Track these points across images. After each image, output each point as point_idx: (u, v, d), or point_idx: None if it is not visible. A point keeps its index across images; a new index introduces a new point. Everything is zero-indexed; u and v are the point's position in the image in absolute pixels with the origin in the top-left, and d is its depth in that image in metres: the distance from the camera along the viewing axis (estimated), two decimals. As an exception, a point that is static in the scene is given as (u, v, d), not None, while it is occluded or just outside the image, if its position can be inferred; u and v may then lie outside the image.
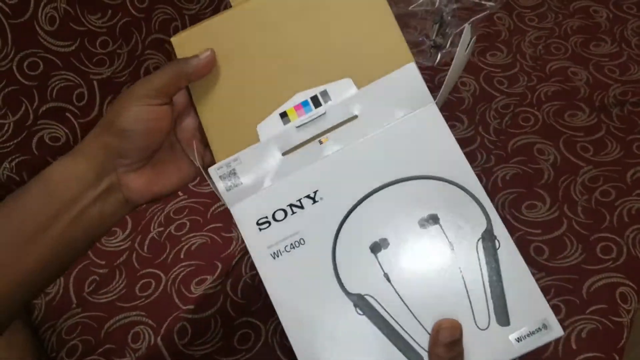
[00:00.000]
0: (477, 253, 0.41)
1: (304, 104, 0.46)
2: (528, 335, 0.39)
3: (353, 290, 0.41)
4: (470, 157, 0.77)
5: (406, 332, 0.40)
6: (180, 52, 0.47)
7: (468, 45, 0.46)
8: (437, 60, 0.84)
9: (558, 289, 0.65)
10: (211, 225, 0.74)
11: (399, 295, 0.41)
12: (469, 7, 0.84)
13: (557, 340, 0.61)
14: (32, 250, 0.43)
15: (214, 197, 0.76)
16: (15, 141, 0.72)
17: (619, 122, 0.80)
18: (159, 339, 0.65)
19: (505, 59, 0.89)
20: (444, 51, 0.84)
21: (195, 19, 0.88)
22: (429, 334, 0.40)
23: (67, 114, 0.77)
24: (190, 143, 0.47)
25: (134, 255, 0.72)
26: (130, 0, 0.79)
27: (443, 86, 0.45)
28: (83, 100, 0.78)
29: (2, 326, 0.44)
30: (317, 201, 0.44)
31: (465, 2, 0.84)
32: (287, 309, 0.43)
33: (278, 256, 0.43)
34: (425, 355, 0.40)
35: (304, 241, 0.43)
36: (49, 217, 0.43)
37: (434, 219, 0.42)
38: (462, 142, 0.79)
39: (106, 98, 0.80)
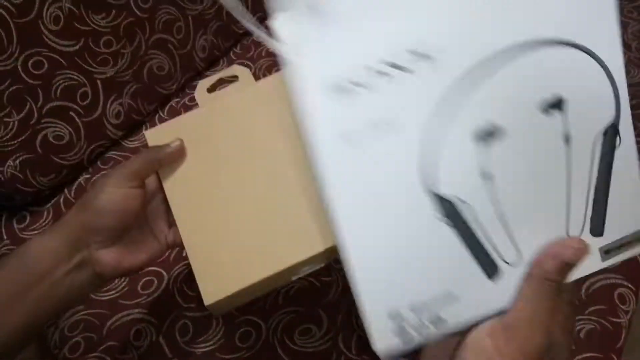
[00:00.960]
0: (593, 150, 0.34)
1: None
2: (617, 249, 0.35)
3: (440, 190, 0.34)
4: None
5: (489, 241, 0.35)
6: (152, 144, 0.52)
7: None
8: None
9: (557, 289, 0.65)
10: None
11: (497, 200, 0.34)
12: None
13: (556, 341, 0.62)
14: (7, 318, 0.46)
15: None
16: (19, 139, 0.73)
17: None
18: (160, 336, 0.66)
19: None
20: None
21: (199, 19, 0.88)
22: (515, 247, 0.35)
23: (71, 113, 0.77)
24: (158, 223, 0.52)
25: (137, 253, 0.73)
26: (134, 0, 0.80)
27: None
28: (87, 99, 0.78)
29: None
30: (420, 62, 0.32)
31: None
32: (349, 206, 0.34)
33: (354, 141, 0.33)
34: (504, 266, 0.35)
35: (392, 121, 0.32)
36: (24, 287, 0.46)
37: (558, 104, 0.34)
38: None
39: (110, 97, 0.80)
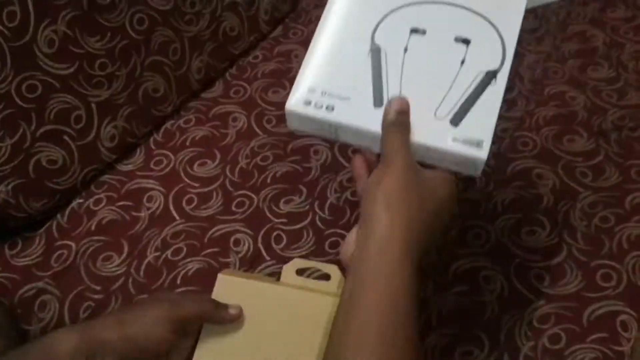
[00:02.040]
0: (476, 77, 0.53)
1: None
2: (462, 142, 0.51)
3: (376, 39, 0.55)
4: (470, 182, 0.78)
5: (386, 84, 0.53)
6: (217, 289, 0.58)
7: None
8: None
9: (558, 317, 0.65)
10: (208, 250, 0.73)
11: (402, 63, 0.54)
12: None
13: (558, 370, 0.61)
14: None
15: (211, 221, 0.76)
16: (12, 164, 0.72)
17: (617, 147, 0.80)
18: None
19: (504, 83, 0.90)
20: None
21: (195, 41, 0.88)
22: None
23: (65, 137, 0.76)
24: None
25: (130, 280, 0.71)
26: (129, 22, 0.79)
27: None
28: (81, 123, 0.77)
29: None
30: None
31: None
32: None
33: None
34: (383, 96, 0.53)
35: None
36: None
37: (466, 42, 0.54)
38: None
39: (104, 120, 0.79)
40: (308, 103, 0.54)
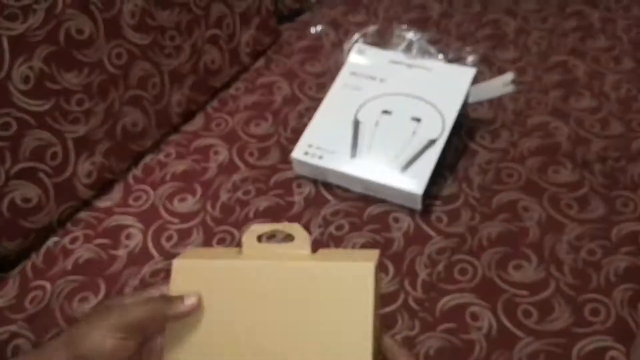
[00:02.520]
0: (421, 142, 0.79)
1: None
2: (407, 182, 0.77)
3: (358, 117, 0.83)
4: (455, 215, 0.77)
5: (362, 141, 0.81)
6: (175, 277, 0.48)
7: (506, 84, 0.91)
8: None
9: (548, 354, 0.63)
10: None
11: (374, 132, 0.81)
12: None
13: (549, 411, 0.59)
14: None
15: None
16: (-16, 203, 0.70)
17: (602, 178, 0.79)
18: None
19: (487, 114, 0.89)
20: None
21: (175, 75, 0.87)
22: (368, 150, 0.80)
23: (40, 174, 0.74)
24: None
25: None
26: (107, 57, 0.78)
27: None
28: (57, 159, 0.75)
29: None
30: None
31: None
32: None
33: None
34: (359, 156, 0.80)
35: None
36: None
37: (418, 120, 0.82)
38: (447, 200, 0.78)
39: (81, 156, 0.78)
40: (306, 153, 0.81)
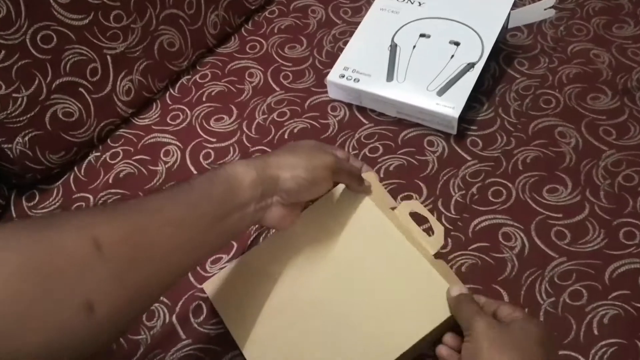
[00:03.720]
0: (459, 65, 0.78)
1: None
2: (443, 106, 0.76)
3: (394, 40, 0.83)
4: (490, 140, 0.76)
5: (397, 66, 0.80)
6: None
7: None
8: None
9: (580, 274, 0.64)
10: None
11: (410, 56, 0.81)
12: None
13: (579, 326, 0.60)
14: (208, 238, 0.49)
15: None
16: (28, 115, 0.71)
17: (642, 105, 0.78)
18: (174, 317, 0.64)
19: (526, 40, 0.88)
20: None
21: (211, -6, 0.86)
22: (404, 75, 0.79)
23: (81, 89, 0.75)
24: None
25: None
26: (145, -27, 0.77)
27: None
28: (97, 75, 0.76)
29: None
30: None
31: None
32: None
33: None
34: (395, 80, 0.79)
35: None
36: (227, 212, 0.49)
37: (457, 43, 0.81)
38: (482, 124, 0.78)
39: (120, 74, 0.78)
40: (342, 76, 0.81)
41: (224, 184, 0.50)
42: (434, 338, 0.53)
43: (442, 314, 0.52)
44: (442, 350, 0.53)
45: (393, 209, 0.60)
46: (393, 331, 0.53)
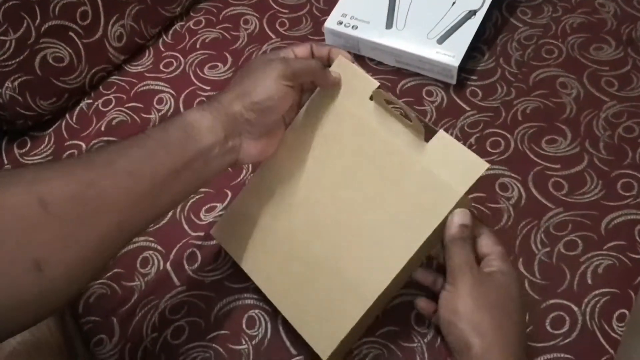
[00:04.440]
0: (461, 13, 0.76)
1: None
2: (443, 54, 0.73)
3: None
4: (490, 90, 0.75)
5: (397, 13, 0.77)
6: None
7: None
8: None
9: (576, 224, 0.64)
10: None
11: (411, 2, 0.78)
12: None
13: (573, 275, 0.60)
14: (170, 188, 0.47)
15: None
16: (17, 60, 0.70)
17: (646, 56, 0.76)
18: (168, 264, 0.64)
19: (530, -12, 0.85)
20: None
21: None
22: (404, 22, 0.77)
23: (71, 34, 0.73)
24: (289, 113, 0.55)
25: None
26: None
27: None
28: (87, 19, 0.74)
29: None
30: None
31: None
32: None
33: None
34: (395, 28, 0.77)
35: None
36: (185, 161, 0.47)
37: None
38: (483, 74, 0.76)
39: (111, 18, 0.76)
40: (340, 23, 0.78)
41: (180, 131, 0.48)
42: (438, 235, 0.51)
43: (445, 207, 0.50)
44: (420, 302, 0.54)
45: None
46: (400, 234, 0.51)
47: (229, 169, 0.53)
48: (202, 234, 0.66)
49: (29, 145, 0.75)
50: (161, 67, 0.80)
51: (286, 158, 0.57)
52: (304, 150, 0.56)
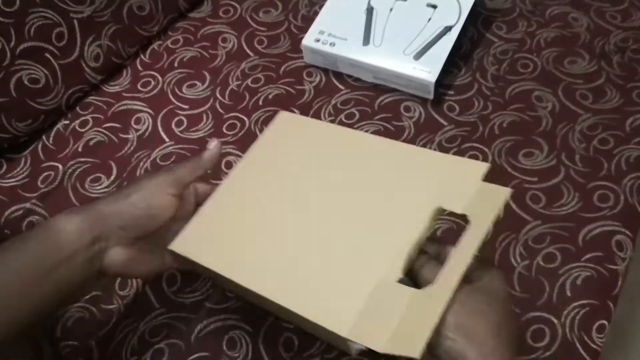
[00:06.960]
0: (437, 29, 0.77)
1: None
2: (419, 70, 0.74)
3: (372, 4, 0.81)
4: (467, 104, 0.76)
5: (374, 30, 0.78)
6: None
7: None
8: None
9: (554, 237, 0.64)
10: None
11: (387, 19, 0.79)
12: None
13: (552, 287, 0.61)
14: (31, 298, 0.45)
15: (202, 142, 0.74)
16: (-8, 82, 0.69)
17: (619, 69, 0.77)
18: (147, 286, 0.63)
19: (504, 3, 0.86)
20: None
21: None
22: (381, 39, 0.77)
23: (47, 55, 0.73)
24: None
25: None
26: None
27: None
28: (63, 40, 0.74)
29: None
30: None
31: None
32: None
33: None
34: (372, 45, 0.77)
35: None
36: (49, 266, 0.45)
37: (434, 6, 0.79)
38: (460, 89, 0.77)
39: (87, 39, 0.76)
40: (317, 40, 0.79)
41: (45, 230, 0.46)
42: None
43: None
44: None
45: None
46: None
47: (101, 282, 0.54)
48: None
49: (4, 167, 0.74)
50: (139, 86, 0.80)
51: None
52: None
